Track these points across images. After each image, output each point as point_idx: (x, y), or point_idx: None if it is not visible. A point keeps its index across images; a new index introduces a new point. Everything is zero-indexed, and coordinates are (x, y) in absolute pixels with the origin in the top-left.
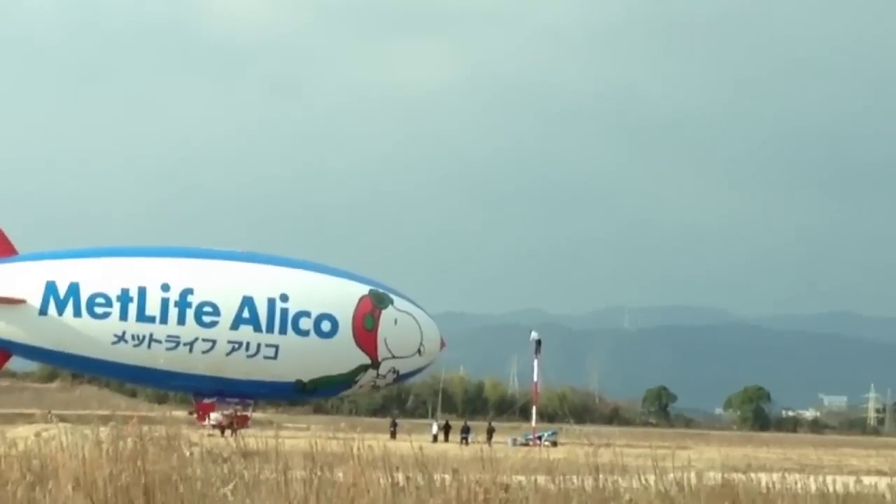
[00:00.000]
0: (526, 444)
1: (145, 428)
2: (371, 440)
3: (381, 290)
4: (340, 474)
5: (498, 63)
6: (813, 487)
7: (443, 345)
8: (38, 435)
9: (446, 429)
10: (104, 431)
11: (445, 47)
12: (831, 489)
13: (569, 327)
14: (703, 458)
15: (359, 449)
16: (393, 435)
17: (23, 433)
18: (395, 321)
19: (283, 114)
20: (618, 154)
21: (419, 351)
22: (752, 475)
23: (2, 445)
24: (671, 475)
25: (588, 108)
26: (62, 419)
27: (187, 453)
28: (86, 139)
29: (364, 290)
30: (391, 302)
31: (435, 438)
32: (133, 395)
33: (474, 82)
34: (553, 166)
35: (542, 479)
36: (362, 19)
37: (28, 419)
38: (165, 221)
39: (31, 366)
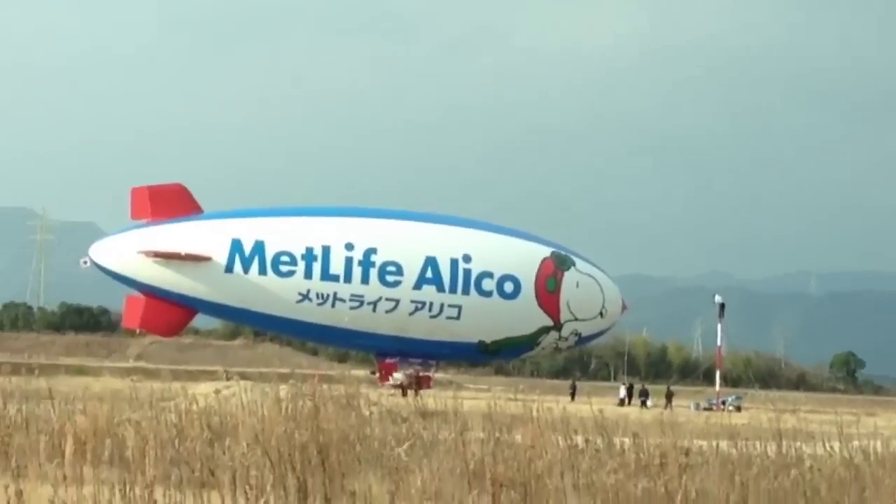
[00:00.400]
0: (709, 409)
1: (325, 387)
2: (551, 402)
3: (563, 252)
4: (519, 436)
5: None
6: None
7: (624, 307)
8: (217, 392)
9: (629, 392)
10: (283, 389)
11: None
12: None
13: (755, 291)
14: (892, 426)
15: (538, 411)
16: (573, 397)
17: (204, 390)
18: (577, 284)
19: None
20: (809, 113)
21: (601, 313)
22: None
23: (183, 402)
24: (856, 442)
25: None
26: (243, 377)
27: (366, 413)
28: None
29: (546, 251)
30: (573, 264)
31: (622, 402)
32: (315, 353)
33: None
34: (754, 123)
35: (723, 445)
36: None
37: (211, 376)
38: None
39: (214, 323)
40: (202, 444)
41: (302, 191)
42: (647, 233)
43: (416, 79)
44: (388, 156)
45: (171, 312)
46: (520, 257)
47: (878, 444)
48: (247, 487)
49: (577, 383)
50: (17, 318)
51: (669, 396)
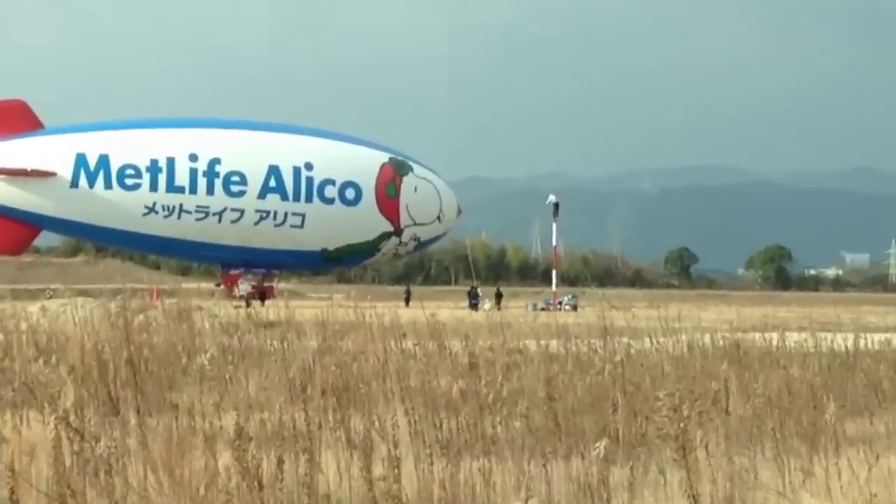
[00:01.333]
0: (546, 309)
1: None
2: (386, 308)
3: (400, 158)
4: (350, 343)
5: None
6: (823, 347)
7: (459, 211)
8: (44, 309)
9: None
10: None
11: None
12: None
13: (591, 190)
14: (721, 319)
15: (370, 317)
16: (407, 302)
17: (36, 308)
18: (416, 188)
19: None
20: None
21: (439, 218)
22: (768, 335)
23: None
24: (683, 337)
25: None
26: (84, 293)
27: (206, 325)
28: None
29: (384, 157)
30: (411, 169)
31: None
32: (157, 268)
33: None
34: (581, 23)
35: (553, 344)
36: None
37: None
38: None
39: (54, 240)
40: (24, 363)
41: (139, 101)
42: (483, 134)
43: None
44: (232, 63)
45: (16, 230)
46: (360, 163)
47: (707, 337)
48: (62, 404)
49: (413, 288)
50: None
51: (499, 297)
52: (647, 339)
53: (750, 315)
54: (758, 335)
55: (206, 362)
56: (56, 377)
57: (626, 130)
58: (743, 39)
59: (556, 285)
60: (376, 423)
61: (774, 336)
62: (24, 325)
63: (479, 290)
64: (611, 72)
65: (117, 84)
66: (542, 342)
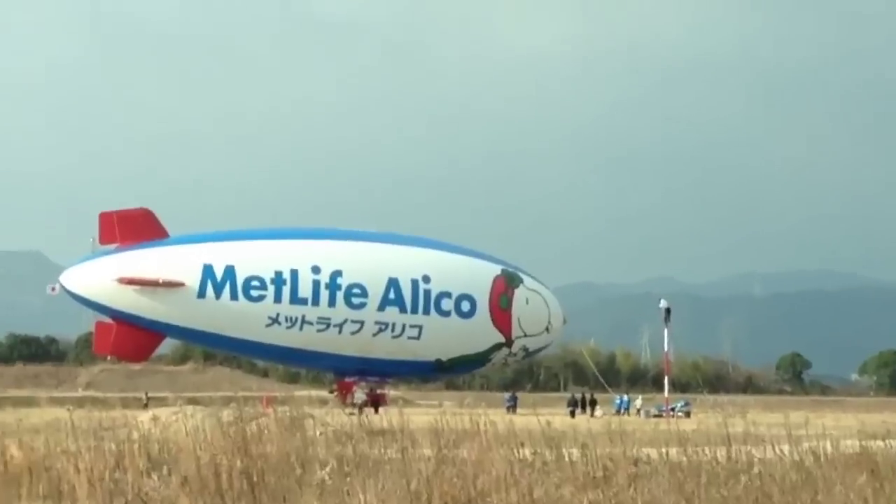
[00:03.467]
0: (659, 416)
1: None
2: (496, 415)
3: (512, 269)
4: (465, 451)
5: (615, 22)
6: None
7: (565, 321)
8: (154, 419)
9: (581, 402)
10: (227, 413)
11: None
12: None
13: (701, 295)
14: (840, 426)
15: (485, 425)
16: (511, 410)
17: (147, 416)
18: (527, 300)
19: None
20: (737, 107)
21: (547, 329)
22: (892, 442)
23: (124, 430)
24: (806, 444)
25: (706, 63)
26: (193, 401)
27: (315, 433)
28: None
29: (497, 269)
30: (522, 281)
31: (572, 413)
32: (265, 375)
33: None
34: (673, 125)
35: (673, 452)
36: None
37: (161, 402)
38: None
39: (163, 348)
40: (136, 475)
41: (258, 208)
42: (591, 241)
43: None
44: (349, 172)
45: (141, 337)
46: (474, 276)
47: (828, 444)
48: None
49: (520, 395)
50: None
51: (592, 404)
52: (769, 447)
53: (869, 421)
54: (883, 442)
55: (328, 476)
56: (168, 489)
57: (735, 235)
58: (841, 142)
59: (668, 391)
60: None
61: None
62: (135, 435)
63: (576, 396)
64: (718, 174)
65: (235, 192)
66: (663, 450)
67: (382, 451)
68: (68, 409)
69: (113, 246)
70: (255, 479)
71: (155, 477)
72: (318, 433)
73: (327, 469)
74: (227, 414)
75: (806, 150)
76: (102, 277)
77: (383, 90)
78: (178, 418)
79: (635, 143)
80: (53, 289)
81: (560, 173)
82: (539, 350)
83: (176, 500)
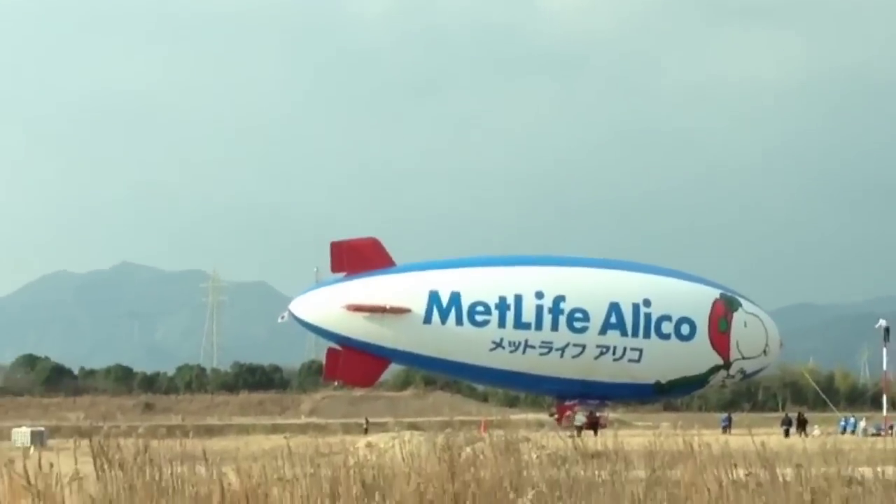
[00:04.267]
0: (878, 435)
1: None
2: (710, 436)
3: (730, 293)
4: (679, 472)
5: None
6: None
7: (782, 344)
8: (369, 445)
9: (796, 421)
10: (440, 438)
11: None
12: None
13: None
14: None
15: (699, 446)
16: (724, 430)
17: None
18: (745, 323)
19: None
20: None
21: (765, 351)
22: None
23: (342, 457)
24: None
25: None
26: (414, 426)
27: (531, 457)
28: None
29: (716, 293)
30: (740, 305)
31: (786, 433)
32: (485, 399)
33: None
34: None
35: (890, 471)
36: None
37: (381, 428)
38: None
39: (384, 374)
40: (350, 502)
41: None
42: (810, 260)
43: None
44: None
45: (368, 363)
46: (693, 300)
47: None
48: None
49: (737, 415)
50: (192, 380)
51: (803, 423)
52: None
53: None
54: None
55: (529, 502)
56: None
57: None
58: None
59: (888, 410)
60: None
61: None
62: (351, 461)
63: (790, 416)
64: None
65: (457, 220)
66: (879, 469)
67: (596, 473)
68: (285, 437)
69: (341, 275)
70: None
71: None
72: (534, 457)
73: (531, 494)
74: (441, 438)
75: None
76: (331, 305)
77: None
78: (395, 444)
79: (849, 160)
80: (283, 317)
81: (776, 193)
82: (756, 372)
83: None
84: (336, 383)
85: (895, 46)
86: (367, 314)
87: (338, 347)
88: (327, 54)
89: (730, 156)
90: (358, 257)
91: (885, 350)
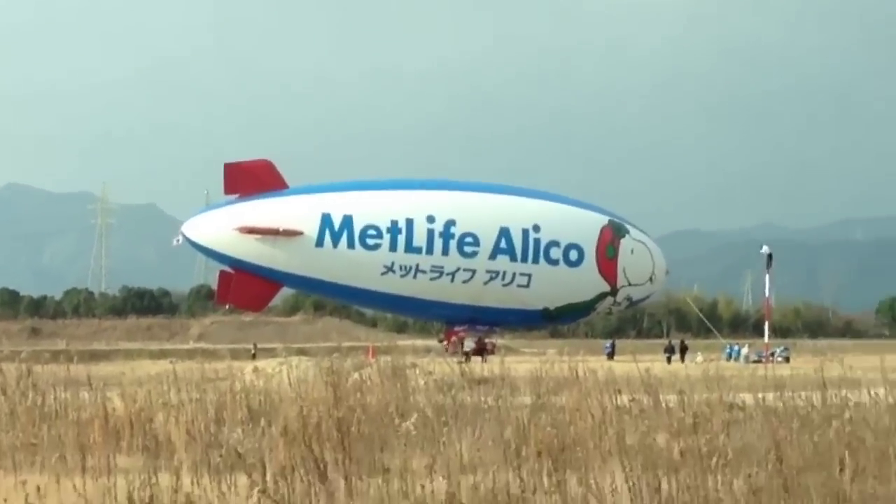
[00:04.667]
0: (759, 362)
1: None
2: (598, 363)
3: (618, 220)
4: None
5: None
6: None
7: (668, 272)
8: (256, 371)
9: (678, 348)
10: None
11: None
12: None
13: (804, 241)
14: None
15: (583, 373)
16: (611, 357)
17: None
18: (632, 250)
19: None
20: (852, 53)
21: (651, 279)
22: None
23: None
24: None
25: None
26: (302, 352)
27: (419, 383)
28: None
29: (604, 220)
30: (628, 232)
31: (668, 360)
32: (374, 325)
33: None
34: (783, 69)
35: (770, 397)
36: None
37: (270, 353)
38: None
39: (273, 300)
40: (234, 427)
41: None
42: (696, 188)
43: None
44: (456, 126)
45: (260, 287)
46: (582, 226)
47: None
48: (270, 470)
49: (622, 342)
50: (79, 304)
51: (683, 350)
52: (865, 391)
53: None
54: None
55: (413, 426)
56: (265, 441)
57: (838, 180)
58: None
59: (769, 337)
60: (593, 486)
61: None
62: (237, 386)
63: (672, 343)
64: (820, 123)
65: (355, 144)
66: (759, 395)
67: (482, 399)
68: (171, 362)
69: (234, 197)
70: (346, 429)
71: (251, 427)
72: (421, 382)
73: (412, 419)
74: (329, 364)
75: None
76: (223, 226)
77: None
78: (282, 369)
79: (739, 92)
80: (177, 240)
81: (663, 120)
82: (642, 300)
83: (272, 452)
84: (227, 306)
85: None
86: (259, 237)
87: (229, 270)
88: None
89: (619, 83)
90: (251, 179)
91: (767, 277)
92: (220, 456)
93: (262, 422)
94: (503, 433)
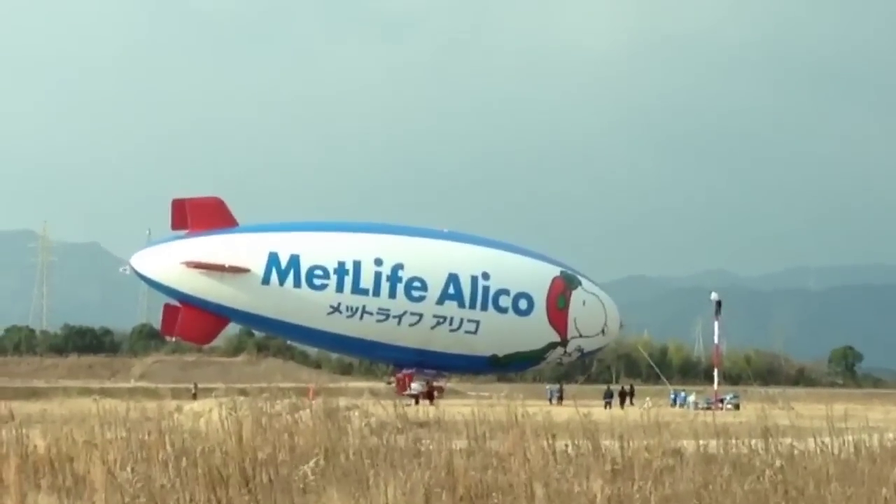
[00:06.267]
0: (708, 409)
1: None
2: (538, 407)
3: (570, 272)
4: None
5: (661, 15)
6: None
7: (622, 325)
8: (179, 409)
9: (623, 394)
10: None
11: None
12: None
13: (754, 288)
14: (888, 419)
15: (522, 416)
16: (560, 401)
17: (193, 408)
18: (584, 302)
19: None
20: (790, 97)
21: (603, 331)
22: None
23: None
24: (849, 437)
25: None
26: (244, 393)
27: (363, 424)
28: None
29: (556, 270)
30: (580, 283)
31: (607, 405)
32: (318, 366)
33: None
34: (726, 114)
35: (713, 445)
36: None
37: (210, 394)
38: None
39: (216, 340)
40: (156, 467)
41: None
42: (642, 233)
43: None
44: (383, 167)
45: (207, 321)
46: (533, 276)
47: (872, 437)
48: None
49: (570, 387)
50: (20, 342)
51: (625, 395)
52: (811, 440)
53: None
54: None
55: (310, 472)
56: (181, 482)
57: (789, 229)
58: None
59: (719, 383)
60: None
61: None
62: (164, 425)
63: (611, 388)
64: (772, 166)
65: (302, 184)
66: (702, 442)
67: (419, 443)
68: (94, 399)
69: (181, 233)
70: (253, 471)
71: (169, 468)
72: (362, 424)
73: (311, 463)
74: (258, 405)
75: (853, 141)
76: (171, 261)
77: (430, 86)
78: (214, 409)
79: (688, 130)
80: (125, 270)
81: (612, 164)
82: (594, 352)
83: (190, 492)
84: (172, 341)
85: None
86: (205, 272)
87: (176, 303)
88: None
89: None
90: (200, 215)
91: (716, 323)
92: (138, 497)
93: (184, 461)
94: (428, 478)
